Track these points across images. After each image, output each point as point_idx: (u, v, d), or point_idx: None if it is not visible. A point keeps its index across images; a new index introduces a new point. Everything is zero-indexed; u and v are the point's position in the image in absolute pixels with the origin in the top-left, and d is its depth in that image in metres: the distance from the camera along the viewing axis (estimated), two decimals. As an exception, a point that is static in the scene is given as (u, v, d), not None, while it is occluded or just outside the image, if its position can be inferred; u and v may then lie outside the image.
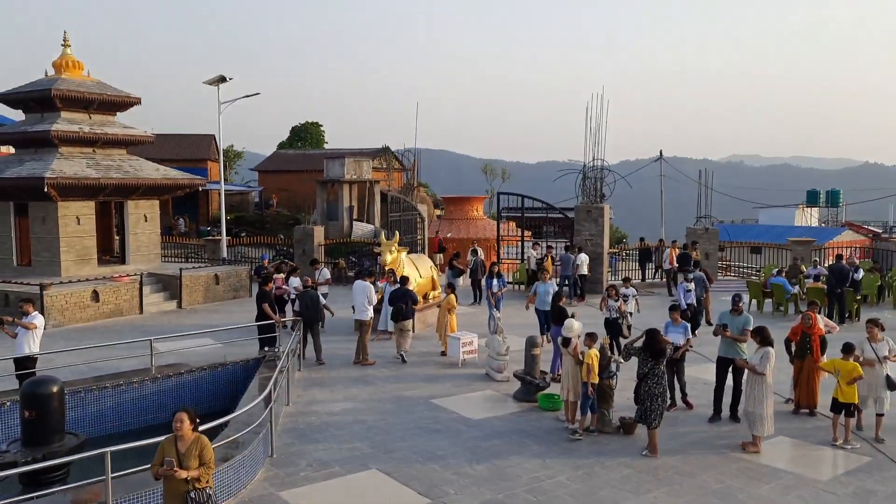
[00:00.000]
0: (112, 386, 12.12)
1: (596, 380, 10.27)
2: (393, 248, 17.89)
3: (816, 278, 18.25)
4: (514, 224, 28.12)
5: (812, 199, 42.08)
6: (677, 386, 11.65)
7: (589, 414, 10.47)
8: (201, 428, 6.81)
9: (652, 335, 9.92)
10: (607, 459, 9.52)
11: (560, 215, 24.58)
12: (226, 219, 28.52)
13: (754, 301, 20.03)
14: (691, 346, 11.81)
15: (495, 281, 17.41)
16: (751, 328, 11.04)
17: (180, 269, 22.28)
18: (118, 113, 22.88)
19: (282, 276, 17.83)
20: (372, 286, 15.59)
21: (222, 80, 25.21)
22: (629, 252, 28.00)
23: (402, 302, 15.08)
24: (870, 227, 38.01)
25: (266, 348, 14.01)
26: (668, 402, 9.82)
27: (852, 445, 9.73)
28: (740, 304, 11.11)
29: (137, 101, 22.69)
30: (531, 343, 12.58)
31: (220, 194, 28.94)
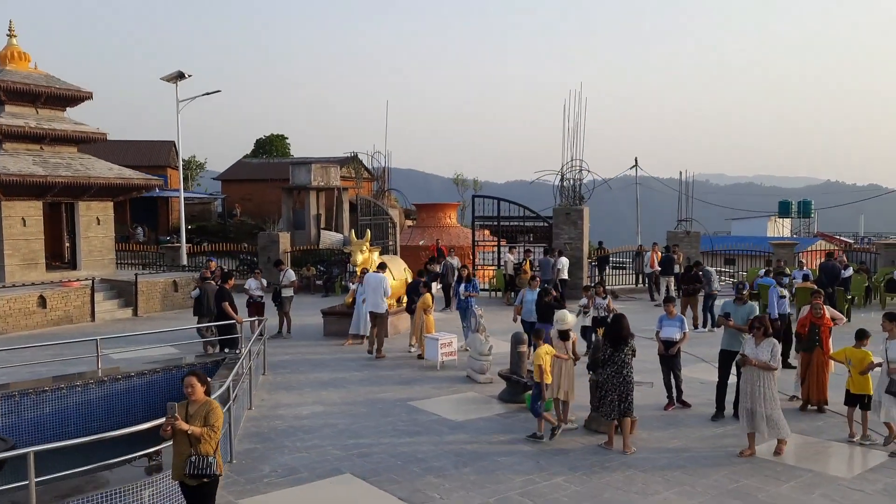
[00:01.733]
0: (52, 389, 10.83)
1: (549, 380, 9.39)
2: (364, 248, 16.89)
3: (805, 278, 17.65)
4: (489, 232, 27.25)
5: (784, 210, 42.06)
6: (673, 384, 10.79)
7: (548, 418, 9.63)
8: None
9: (617, 319, 9.16)
10: (608, 459, 8.57)
11: (540, 223, 23.62)
12: (187, 228, 27.26)
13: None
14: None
15: (462, 286, 16.01)
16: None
17: (135, 275, 20.94)
18: (68, 108, 21.51)
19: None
20: (388, 279, 15.20)
21: (181, 76, 24.07)
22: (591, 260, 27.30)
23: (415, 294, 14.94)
24: (841, 238, 37.98)
25: (227, 350, 12.86)
26: (629, 395, 8.84)
27: (872, 441, 8.92)
28: (745, 292, 10.29)
29: (88, 96, 21.36)
30: (517, 340, 11.63)
31: (179, 200, 27.63)
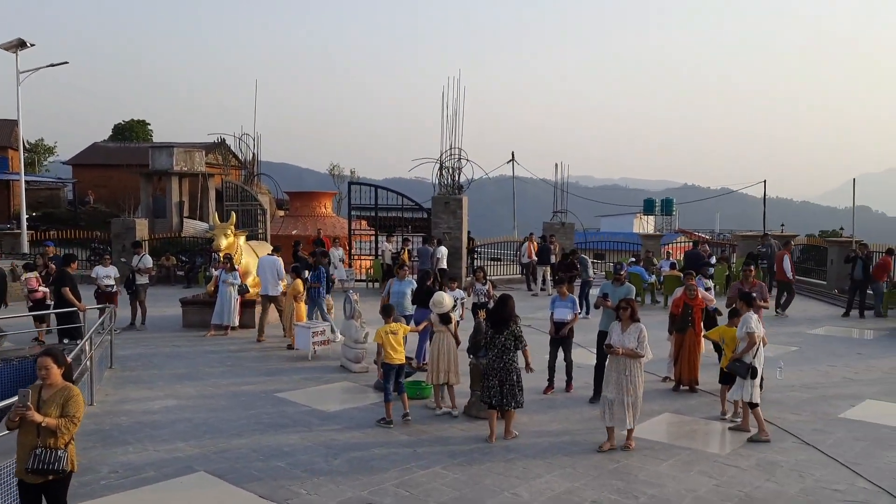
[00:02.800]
0: None
1: (391, 360, 9.04)
2: (228, 232, 15.65)
3: (672, 266, 18.23)
4: (367, 223, 26.45)
5: (649, 208, 44.11)
6: (564, 367, 10.54)
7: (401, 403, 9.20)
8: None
9: (503, 300, 8.64)
10: (489, 446, 8.14)
11: (419, 214, 23.09)
12: (32, 215, 24.64)
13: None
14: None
15: (307, 273, 14.22)
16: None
17: (-37, 262, 18.57)
18: None
19: (35, 274, 14.72)
20: (281, 261, 14.96)
21: (22, 45, 21.61)
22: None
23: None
24: (699, 234, 40.15)
25: (66, 340, 11.43)
26: (512, 383, 8.23)
27: (743, 418, 9.00)
28: (623, 273, 10.19)
29: None
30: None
31: (20, 183, 24.93)
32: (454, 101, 22.53)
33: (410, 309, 12.07)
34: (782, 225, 28.45)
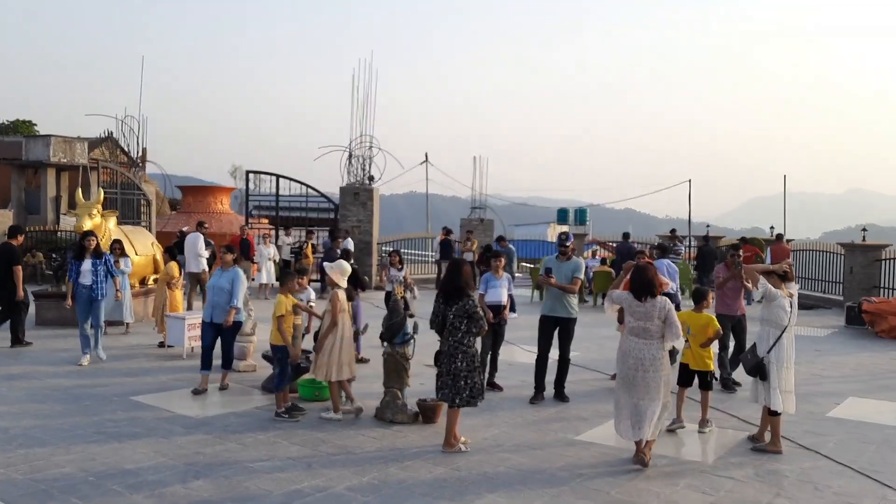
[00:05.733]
0: None
1: (289, 342, 7.31)
2: (94, 212, 13.04)
3: (603, 262, 16.88)
4: (268, 221, 23.96)
5: (563, 218, 43.38)
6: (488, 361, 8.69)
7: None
8: None
9: (457, 264, 6.66)
10: (407, 458, 6.15)
11: (325, 206, 20.83)
12: None
13: (537, 291, 18.34)
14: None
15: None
16: (582, 276, 8.49)
17: None
18: None
19: None
20: (202, 237, 14.80)
21: None
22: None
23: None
24: (610, 243, 39.66)
25: None
26: (473, 371, 6.37)
27: (711, 428, 7.22)
28: (569, 245, 8.42)
29: None
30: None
31: None
32: (365, 83, 20.58)
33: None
34: (707, 226, 27.99)
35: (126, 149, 26.31)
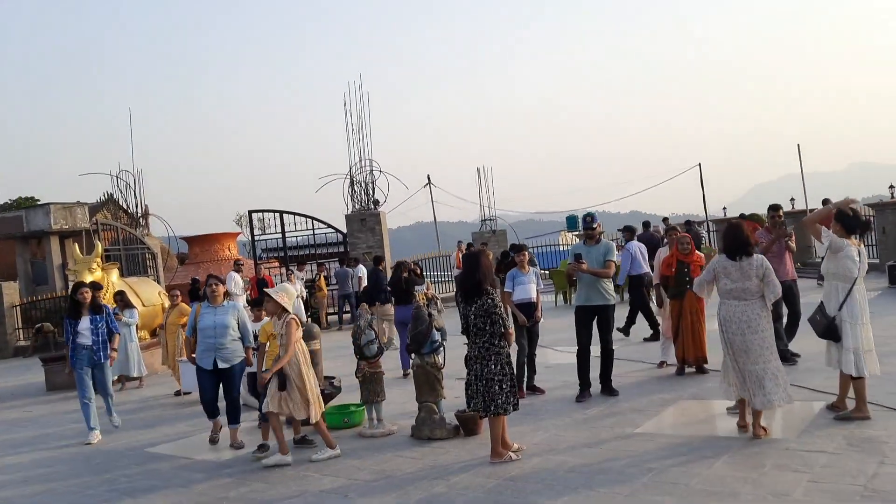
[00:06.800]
0: None
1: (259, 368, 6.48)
2: (94, 266, 12.61)
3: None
4: (278, 262, 23.41)
5: (572, 224, 42.96)
6: (525, 364, 8.03)
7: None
8: None
9: (474, 256, 5.92)
10: (453, 474, 5.48)
11: (333, 236, 20.22)
12: None
13: (561, 294, 17.78)
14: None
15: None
16: (615, 259, 7.83)
17: None
18: None
19: None
20: (237, 276, 14.64)
21: None
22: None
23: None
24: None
25: None
26: (508, 377, 5.69)
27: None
28: (596, 227, 7.78)
29: None
30: (308, 334, 8.24)
31: None
32: (358, 106, 20.13)
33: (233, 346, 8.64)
34: (724, 208, 27.40)
35: (125, 206, 26.03)
